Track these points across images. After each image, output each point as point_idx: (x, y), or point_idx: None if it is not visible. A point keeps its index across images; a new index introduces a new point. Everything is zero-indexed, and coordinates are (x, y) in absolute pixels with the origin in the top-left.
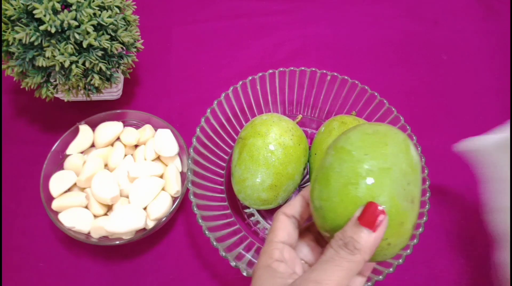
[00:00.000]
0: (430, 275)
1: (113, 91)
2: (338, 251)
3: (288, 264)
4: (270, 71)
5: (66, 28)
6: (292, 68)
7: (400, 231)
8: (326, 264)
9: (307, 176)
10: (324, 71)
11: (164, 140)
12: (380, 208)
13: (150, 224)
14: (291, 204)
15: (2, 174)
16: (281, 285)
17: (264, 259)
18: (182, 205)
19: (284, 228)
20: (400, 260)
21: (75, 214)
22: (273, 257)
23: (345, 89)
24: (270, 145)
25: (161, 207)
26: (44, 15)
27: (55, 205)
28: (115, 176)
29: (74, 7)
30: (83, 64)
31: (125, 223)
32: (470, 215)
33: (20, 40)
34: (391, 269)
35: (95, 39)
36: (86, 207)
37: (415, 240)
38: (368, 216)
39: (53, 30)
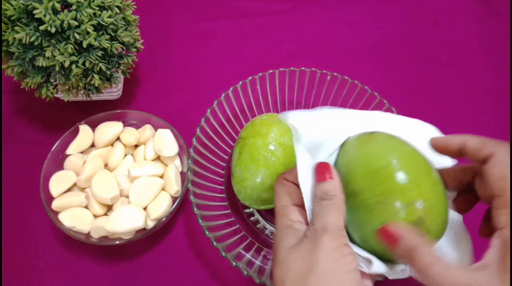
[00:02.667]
0: None
1: (113, 91)
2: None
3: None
4: (270, 71)
5: (66, 28)
6: (292, 68)
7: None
8: None
9: None
10: (324, 71)
11: (164, 140)
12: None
13: (150, 224)
14: (292, 172)
15: (2, 174)
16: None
17: (284, 220)
18: (182, 205)
19: (292, 192)
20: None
21: (75, 214)
22: (293, 219)
23: (345, 89)
24: (270, 145)
25: (161, 207)
26: (44, 15)
27: (55, 205)
28: (115, 176)
29: (74, 7)
30: (83, 64)
31: (125, 223)
32: (470, 215)
33: (20, 40)
34: None
35: (95, 39)
36: (86, 207)
37: None
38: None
39: (53, 30)
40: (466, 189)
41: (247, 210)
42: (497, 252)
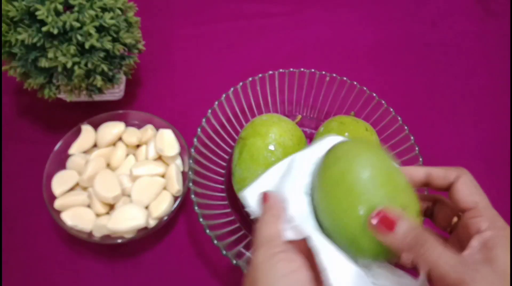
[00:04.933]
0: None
1: (115, 92)
2: None
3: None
4: (270, 72)
5: (68, 30)
6: (291, 69)
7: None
8: None
9: None
10: (323, 72)
11: (165, 140)
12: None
13: (152, 223)
14: (276, 209)
15: (4, 174)
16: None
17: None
18: (183, 204)
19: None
20: None
21: (77, 213)
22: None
23: (344, 90)
24: (270, 145)
25: (163, 206)
26: (47, 17)
27: (57, 204)
28: (117, 176)
29: (76, 8)
30: (86, 65)
31: (126, 222)
32: None
33: (22, 41)
34: None
35: (97, 40)
36: (88, 206)
37: None
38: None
39: (55, 32)
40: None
41: (247, 209)
42: (477, 252)
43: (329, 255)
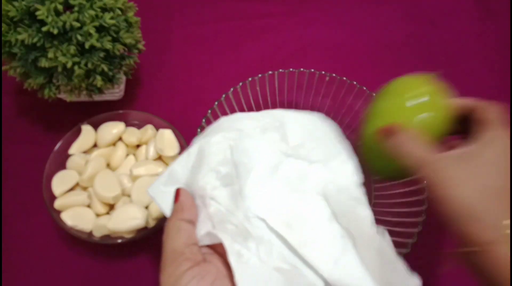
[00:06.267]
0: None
1: (115, 92)
2: None
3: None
4: (270, 72)
5: (68, 30)
6: (291, 69)
7: None
8: None
9: None
10: (323, 72)
11: (165, 140)
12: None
13: (152, 223)
14: (188, 209)
15: (4, 174)
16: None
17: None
18: None
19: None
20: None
21: (77, 213)
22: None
23: (343, 90)
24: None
25: None
26: (47, 17)
27: (57, 204)
28: (117, 176)
29: (76, 8)
30: (86, 65)
31: (126, 222)
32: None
33: (22, 41)
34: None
35: (97, 40)
36: (88, 206)
37: (414, 238)
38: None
39: (55, 32)
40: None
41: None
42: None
43: (240, 260)
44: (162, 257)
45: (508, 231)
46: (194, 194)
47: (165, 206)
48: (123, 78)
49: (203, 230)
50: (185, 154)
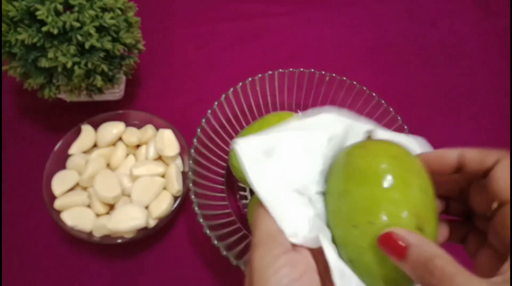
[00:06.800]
0: None
1: (115, 92)
2: None
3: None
4: (270, 72)
5: (68, 30)
6: (291, 69)
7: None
8: None
9: None
10: (323, 72)
11: (165, 140)
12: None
13: (152, 223)
14: None
15: (4, 174)
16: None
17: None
18: (183, 204)
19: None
20: None
21: (77, 213)
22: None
23: (343, 90)
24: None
25: (163, 206)
26: (47, 17)
27: (57, 204)
28: (117, 176)
29: (76, 8)
30: (86, 65)
31: (126, 222)
32: None
33: (22, 41)
34: None
35: (97, 40)
36: (88, 206)
37: None
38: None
39: (55, 32)
40: (457, 198)
41: (247, 209)
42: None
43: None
44: (254, 237)
45: None
46: (287, 183)
47: (252, 170)
48: (123, 78)
49: (300, 230)
50: (290, 124)
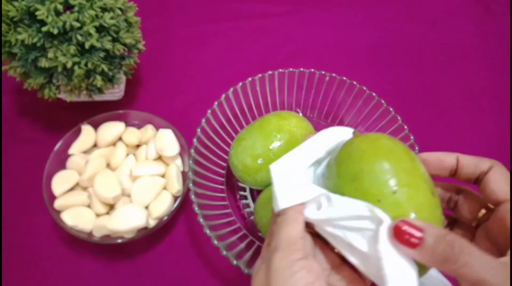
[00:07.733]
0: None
1: (115, 92)
2: None
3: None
4: (270, 72)
5: (68, 30)
6: (291, 69)
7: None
8: None
9: None
10: (323, 72)
11: (165, 140)
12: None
13: (152, 223)
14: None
15: (4, 174)
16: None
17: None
18: (183, 204)
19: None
20: None
21: (78, 213)
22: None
23: (343, 90)
24: (282, 126)
25: (163, 206)
26: (47, 17)
27: (57, 204)
28: (117, 176)
29: (76, 8)
30: (86, 65)
31: (126, 222)
32: None
33: (22, 41)
34: None
35: (97, 40)
36: (89, 206)
37: None
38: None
39: (55, 32)
40: (444, 207)
41: (247, 209)
42: None
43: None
44: (274, 239)
45: None
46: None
47: (281, 190)
48: (123, 78)
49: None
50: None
